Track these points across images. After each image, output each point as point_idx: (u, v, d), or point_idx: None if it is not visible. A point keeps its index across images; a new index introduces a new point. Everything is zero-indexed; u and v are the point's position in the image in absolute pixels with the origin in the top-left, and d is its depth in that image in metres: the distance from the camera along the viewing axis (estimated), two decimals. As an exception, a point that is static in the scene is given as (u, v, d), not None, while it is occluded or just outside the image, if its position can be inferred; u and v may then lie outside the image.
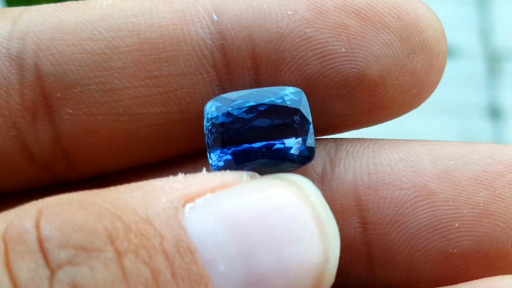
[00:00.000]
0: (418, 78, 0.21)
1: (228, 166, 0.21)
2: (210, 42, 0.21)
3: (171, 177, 0.18)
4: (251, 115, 0.20)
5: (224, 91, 0.22)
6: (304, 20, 0.21)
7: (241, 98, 0.21)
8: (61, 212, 0.16)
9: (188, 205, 0.17)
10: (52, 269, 0.15)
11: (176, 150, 0.23)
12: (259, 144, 0.20)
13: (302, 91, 0.21)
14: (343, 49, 0.21)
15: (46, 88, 0.21)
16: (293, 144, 0.21)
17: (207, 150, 0.21)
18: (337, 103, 0.22)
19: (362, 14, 0.21)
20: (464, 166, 0.21)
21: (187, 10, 0.21)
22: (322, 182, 0.22)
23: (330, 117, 0.22)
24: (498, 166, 0.21)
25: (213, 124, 0.20)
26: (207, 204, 0.17)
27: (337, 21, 0.21)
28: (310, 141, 0.21)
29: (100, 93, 0.21)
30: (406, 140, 0.22)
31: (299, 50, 0.21)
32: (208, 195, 0.17)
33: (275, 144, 0.20)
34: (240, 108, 0.20)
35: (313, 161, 0.21)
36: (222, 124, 0.20)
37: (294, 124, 0.20)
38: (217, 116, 0.20)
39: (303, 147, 0.21)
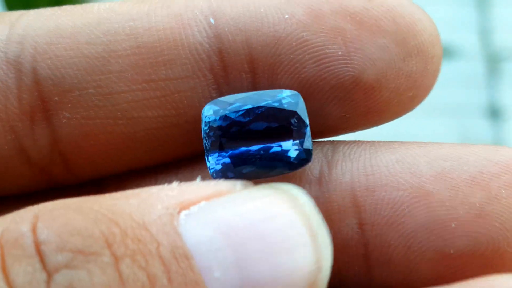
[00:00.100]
0: (414, 82, 0.21)
1: (226, 169, 0.21)
2: (207, 45, 0.21)
3: (166, 185, 0.18)
4: (248, 118, 0.20)
5: (222, 94, 0.22)
6: (301, 23, 0.21)
7: (238, 101, 0.21)
8: (58, 216, 0.16)
9: (183, 212, 0.17)
10: (49, 272, 0.15)
11: (173, 153, 0.23)
12: (256, 147, 0.21)
13: (299, 94, 0.21)
14: (340, 53, 0.21)
15: (44, 92, 0.21)
16: (290, 146, 0.21)
17: (205, 153, 0.21)
18: (333, 106, 0.22)
19: (358, 18, 0.21)
20: (460, 168, 0.21)
21: (184, 14, 0.21)
22: (319, 184, 0.22)
23: (327, 120, 0.22)
24: (494, 167, 0.21)
25: (210, 128, 0.21)
26: (202, 211, 0.17)
27: (334, 25, 0.21)
28: (308, 143, 0.21)
29: (98, 96, 0.21)
30: (402, 142, 0.22)
31: (296, 54, 0.21)
32: (203, 203, 0.17)
33: (272, 146, 0.21)
34: (237, 112, 0.20)
35: (310, 163, 0.22)
36: (219, 128, 0.20)
37: (292, 127, 0.21)
38: (215, 120, 0.20)
39: (301, 149, 0.21)
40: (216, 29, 0.21)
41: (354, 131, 0.23)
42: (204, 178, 0.23)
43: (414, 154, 0.21)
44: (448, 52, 1.20)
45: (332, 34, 0.21)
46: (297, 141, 0.21)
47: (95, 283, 0.16)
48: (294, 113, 0.21)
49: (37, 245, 0.16)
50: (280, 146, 0.21)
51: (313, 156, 0.22)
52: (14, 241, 0.16)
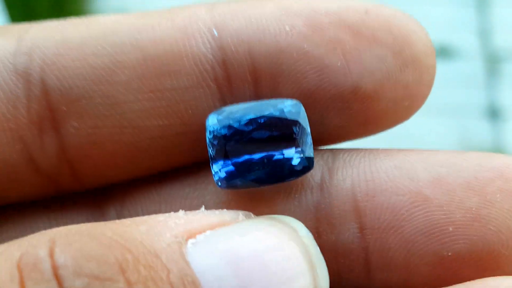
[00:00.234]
0: (410, 91, 0.22)
1: (230, 177, 0.21)
2: (211, 56, 0.22)
3: (172, 213, 0.19)
4: (251, 127, 0.21)
5: (225, 103, 0.22)
6: (301, 35, 0.22)
7: (241, 111, 0.21)
8: (74, 242, 0.17)
9: (190, 241, 0.18)
10: None
11: (178, 162, 0.23)
12: (259, 155, 0.21)
13: (300, 103, 0.21)
14: (339, 64, 0.21)
15: (52, 102, 0.22)
16: (292, 154, 0.21)
17: (210, 162, 0.21)
18: (333, 115, 0.22)
19: (355, 29, 0.21)
20: (456, 173, 0.21)
21: (188, 26, 0.22)
22: (321, 190, 0.22)
23: (327, 129, 0.23)
24: (488, 173, 0.21)
25: (214, 137, 0.21)
26: (207, 240, 0.18)
27: (333, 36, 0.21)
28: (309, 151, 0.21)
29: (105, 106, 0.22)
30: (400, 149, 0.22)
31: (297, 64, 0.22)
32: (208, 231, 0.18)
33: (275, 154, 0.21)
34: (241, 121, 0.21)
35: (312, 170, 0.22)
36: (223, 137, 0.21)
37: (293, 135, 0.21)
38: (219, 129, 0.21)
39: (303, 157, 0.21)
40: (220, 41, 0.22)
41: (353, 140, 0.23)
42: (208, 186, 0.23)
43: (412, 161, 0.22)
44: (447, 53, 1.20)
45: (331, 45, 0.21)
46: (299, 149, 0.21)
47: None
48: (296, 122, 0.21)
49: (55, 270, 0.16)
50: (283, 154, 0.21)
51: (314, 164, 0.22)
52: (33, 265, 0.16)
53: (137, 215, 0.23)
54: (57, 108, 0.22)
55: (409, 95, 0.22)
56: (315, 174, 0.22)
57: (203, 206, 0.20)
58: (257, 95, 0.22)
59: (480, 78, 1.18)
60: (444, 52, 1.19)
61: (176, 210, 0.19)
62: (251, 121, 0.21)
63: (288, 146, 0.21)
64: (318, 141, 0.23)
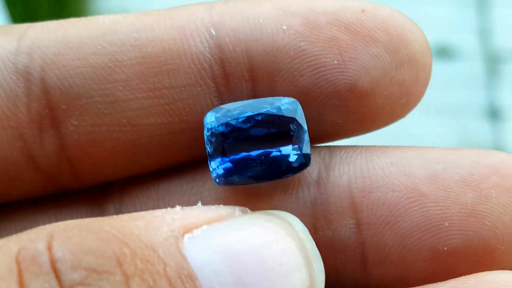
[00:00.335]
0: (406, 89, 0.22)
1: (228, 173, 0.21)
2: (209, 55, 0.22)
3: (169, 208, 0.19)
4: (249, 125, 0.21)
5: (223, 102, 0.23)
6: (298, 34, 0.22)
7: (239, 109, 0.21)
8: (72, 236, 0.17)
9: (187, 235, 0.18)
10: None
11: (176, 159, 0.24)
12: (257, 152, 0.21)
13: (297, 101, 0.22)
14: (335, 62, 0.22)
15: (52, 101, 0.22)
16: (289, 151, 0.21)
17: (208, 159, 0.22)
18: (330, 112, 0.22)
19: (352, 29, 0.22)
20: (452, 170, 0.22)
21: (186, 25, 0.22)
22: (318, 186, 0.23)
23: (324, 126, 0.23)
24: (484, 169, 0.22)
25: (212, 134, 0.21)
26: (204, 235, 0.18)
27: (329, 35, 0.22)
28: (306, 148, 0.22)
29: (104, 105, 0.22)
30: (396, 146, 0.23)
31: (294, 63, 0.22)
32: (204, 226, 0.18)
33: (272, 152, 0.21)
34: (238, 118, 0.21)
35: (309, 167, 0.22)
36: (221, 134, 0.21)
37: (290, 133, 0.21)
38: (217, 126, 0.21)
39: (300, 154, 0.21)
40: (217, 40, 0.22)
41: (350, 137, 0.24)
42: (206, 183, 0.23)
43: (408, 157, 0.22)
44: (447, 53, 1.21)
45: (328, 44, 0.22)
46: (296, 146, 0.21)
47: None
48: (292, 120, 0.21)
49: (53, 263, 0.16)
50: (280, 151, 0.21)
51: (311, 160, 0.23)
52: (31, 258, 0.16)
53: (136, 212, 0.23)
54: (57, 107, 0.22)
55: (405, 93, 0.22)
56: (312, 170, 0.23)
57: (200, 202, 0.20)
58: (254, 93, 0.23)
59: (480, 78, 1.18)
60: (444, 52, 1.19)
61: (173, 207, 0.19)
62: (248, 119, 0.21)
63: (285, 143, 0.21)
64: (315, 139, 0.23)
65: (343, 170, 0.22)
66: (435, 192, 0.21)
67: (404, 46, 0.22)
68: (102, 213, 0.24)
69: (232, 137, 0.21)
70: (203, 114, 0.22)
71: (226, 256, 0.18)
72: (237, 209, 0.20)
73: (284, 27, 0.22)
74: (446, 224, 0.21)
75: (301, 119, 0.22)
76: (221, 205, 0.20)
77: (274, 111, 0.21)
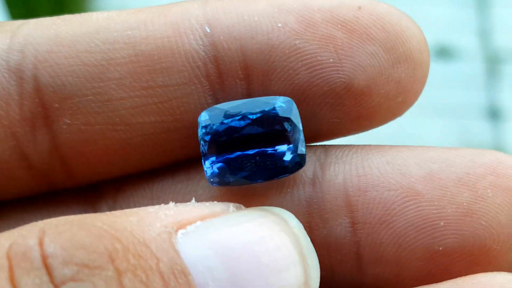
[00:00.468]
0: (403, 87, 0.22)
1: (222, 173, 0.21)
2: (203, 53, 0.22)
3: (163, 205, 0.19)
4: (243, 124, 0.21)
5: (217, 100, 0.22)
6: (294, 32, 0.22)
7: (233, 108, 0.21)
8: (63, 231, 0.17)
9: (180, 231, 0.18)
10: (56, 284, 0.16)
11: (170, 158, 0.23)
12: (251, 151, 0.21)
13: (292, 101, 0.22)
14: (331, 60, 0.21)
15: (44, 99, 0.22)
16: (284, 151, 0.21)
17: (202, 158, 0.21)
18: (326, 111, 0.22)
19: (348, 26, 0.21)
20: (448, 169, 0.21)
21: (180, 22, 0.22)
22: (313, 185, 0.22)
23: (320, 125, 0.23)
24: (480, 168, 0.21)
25: (207, 133, 0.21)
26: (198, 231, 0.18)
27: (325, 33, 0.22)
28: (301, 148, 0.21)
29: (97, 103, 0.22)
30: (392, 145, 0.23)
31: (289, 61, 0.22)
32: (198, 222, 0.18)
33: (267, 151, 0.21)
34: (233, 117, 0.21)
35: (304, 167, 0.22)
36: (215, 133, 0.21)
37: (285, 132, 0.21)
38: (211, 125, 0.21)
39: (295, 154, 0.21)
40: (212, 38, 0.22)
41: (346, 136, 0.23)
42: (200, 182, 0.23)
43: (404, 156, 0.22)
44: (447, 53, 1.20)
45: (323, 42, 0.22)
46: (291, 146, 0.21)
47: None
48: (287, 119, 0.21)
49: (44, 259, 0.16)
50: (275, 150, 0.21)
51: (307, 159, 0.22)
52: (22, 254, 0.16)
53: None
54: (49, 105, 0.22)
55: (402, 91, 0.22)
56: (307, 169, 0.23)
57: (194, 199, 0.20)
58: (249, 92, 0.22)
59: (480, 79, 1.18)
60: (444, 52, 1.19)
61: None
62: (243, 118, 0.21)
63: (280, 143, 0.21)
64: (311, 138, 0.23)
65: (339, 169, 0.22)
66: (431, 191, 0.21)
67: (400, 43, 0.22)
68: (95, 212, 0.24)
69: (226, 136, 0.21)
70: (197, 113, 0.22)
71: (220, 252, 0.18)
72: (231, 206, 0.20)
73: (279, 25, 0.22)
74: (442, 223, 0.21)
75: (296, 118, 0.21)
76: (215, 202, 0.20)
77: (269, 110, 0.21)
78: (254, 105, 0.21)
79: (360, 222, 0.22)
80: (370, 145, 0.23)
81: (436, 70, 1.14)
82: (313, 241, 0.20)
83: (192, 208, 0.19)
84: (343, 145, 0.23)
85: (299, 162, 0.21)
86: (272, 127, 0.21)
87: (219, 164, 0.21)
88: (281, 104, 0.21)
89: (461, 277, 0.21)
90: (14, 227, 0.24)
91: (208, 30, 0.22)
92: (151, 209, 0.18)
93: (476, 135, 1.12)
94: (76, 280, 0.16)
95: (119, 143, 0.23)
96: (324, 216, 0.22)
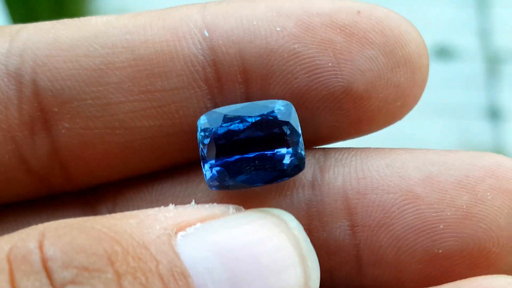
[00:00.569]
0: (402, 91, 0.22)
1: (221, 176, 0.21)
2: (202, 57, 0.22)
3: (162, 207, 0.19)
4: (242, 128, 0.21)
5: (216, 104, 0.22)
6: (292, 36, 0.22)
7: (232, 112, 0.21)
8: (63, 234, 0.17)
9: (180, 233, 0.18)
10: (56, 287, 0.16)
11: (169, 162, 0.23)
12: (250, 155, 0.21)
13: (291, 104, 0.22)
14: (330, 64, 0.21)
15: (43, 103, 0.22)
16: (284, 155, 0.21)
17: (201, 161, 0.21)
18: (325, 115, 0.22)
19: (347, 30, 0.21)
20: (447, 172, 0.22)
21: (179, 27, 0.22)
22: (312, 188, 0.22)
23: (319, 129, 0.23)
24: (479, 171, 0.21)
25: (206, 136, 0.21)
26: (197, 233, 0.18)
27: (324, 37, 0.22)
28: (301, 151, 0.21)
29: (96, 107, 0.22)
30: (391, 148, 0.23)
31: (287, 65, 0.22)
32: (198, 224, 0.18)
33: (266, 155, 0.21)
34: (232, 121, 0.21)
35: (303, 170, 0.22)
36: (215, 136, 0.21)
37: (284, 136, 0.21)
38: (210, 129, 0.21)
39: (294, 157, 0.21)
40: (210, 42, 0.22)
41: (345, 140, 0.23)
42: (199, 185, 0.23)
43: (403, 159, 0.22)
44: (447, 53, 1.20)
45: (322, 46, 0.22)
46: (290, 149, 0.21)
47: None
48: (286, 123, 0.21)
49: (44, 262, 0.16)
50: (274, 154, 0.21)
51: (306, 162, 0.22)
52: (22, 257, 0.16)
53: None
54: (48, 109, 0.22)
55: (401, 95, 0.22)
56: (306, 172, 0.23)
57: (193, 201, 0.20)
58: (248, 96, 0.22)
59: (480, 79, 1.18)
60: (444, 52, 1.19)
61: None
62: (242, 121, 0.21)
63: (279, 146, 0.21)
64: (310, 142, 0.23)
65: (338, 172, 0.22)
66: (430, 194, 0.21)
67: (399, 47, 0.22)
68: (95, 215, 0.24)
69: (225, 139, 0.21)
70: (196, 117, 0.22)
71: (219, 254, 0.18)
72: (231, 207, 0.20)
73: (278, 29, 0.22)
74: (441, 226, 0.21)
75: (295, 122, 0.21)
76: (215, 204, 0.20)
77: (268, 113, 0.21)
78: (253, 109, 0.21)
79: (360, 225, 0.22)
80: (369, 148, 0.23)
81: (436, 70, 1.14)
82: (312, 243, 0.20)
83: (192, 210, 0.19)
84: (343, 148, 0.23)
85: (298, 165, 0.21)
86: (271, 131, 0.21)
87: (218, 168, 0.21)
88: (280, 107, 0.21)
89: (461, 280, 0.21)
90: (14, 230, 0.24)
91: (207, 34, 0.22)
92: (150, 211, 0.18)
93: (476, 135, 1.12)
94: (75, 283, 0.16)
95: (118, 147, 0.23)
96: (323, 219, 0.22)
